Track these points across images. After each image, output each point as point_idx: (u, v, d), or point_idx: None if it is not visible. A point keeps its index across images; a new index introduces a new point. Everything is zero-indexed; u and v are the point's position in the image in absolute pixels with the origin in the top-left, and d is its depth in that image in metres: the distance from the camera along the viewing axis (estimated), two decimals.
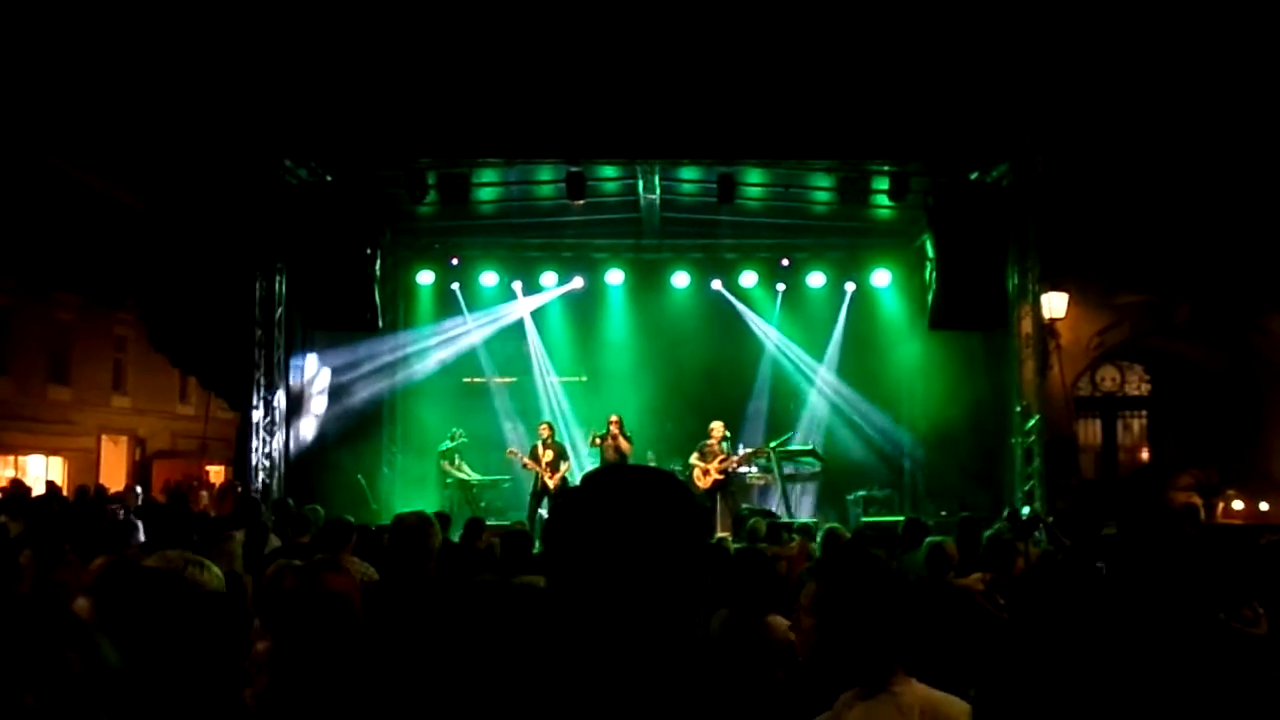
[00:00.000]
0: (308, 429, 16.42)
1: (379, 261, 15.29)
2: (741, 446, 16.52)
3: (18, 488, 16.44)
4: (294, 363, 15.67)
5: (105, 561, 4.47)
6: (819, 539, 8.70)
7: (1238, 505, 17.65)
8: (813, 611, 2.77)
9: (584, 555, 1.68)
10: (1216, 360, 18.44)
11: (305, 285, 15.04)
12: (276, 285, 14.96)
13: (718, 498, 15.31)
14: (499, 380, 18.56)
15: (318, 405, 16.88)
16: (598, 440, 16.02)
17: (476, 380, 18.38)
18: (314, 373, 16.73)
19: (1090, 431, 18.97)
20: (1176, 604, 2.87)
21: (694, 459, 15.75)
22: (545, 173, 15.70)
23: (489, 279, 18.10)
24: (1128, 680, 1.48)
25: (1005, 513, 12.93)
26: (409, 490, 17.05)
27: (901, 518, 11.36)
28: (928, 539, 7.34)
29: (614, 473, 1.86)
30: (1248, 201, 15.85)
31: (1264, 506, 17.40)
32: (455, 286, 18.16)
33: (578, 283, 18.19)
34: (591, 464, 16.55)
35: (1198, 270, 16.71)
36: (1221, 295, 17.01)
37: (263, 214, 14.65)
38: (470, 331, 18.37)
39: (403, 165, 14.85)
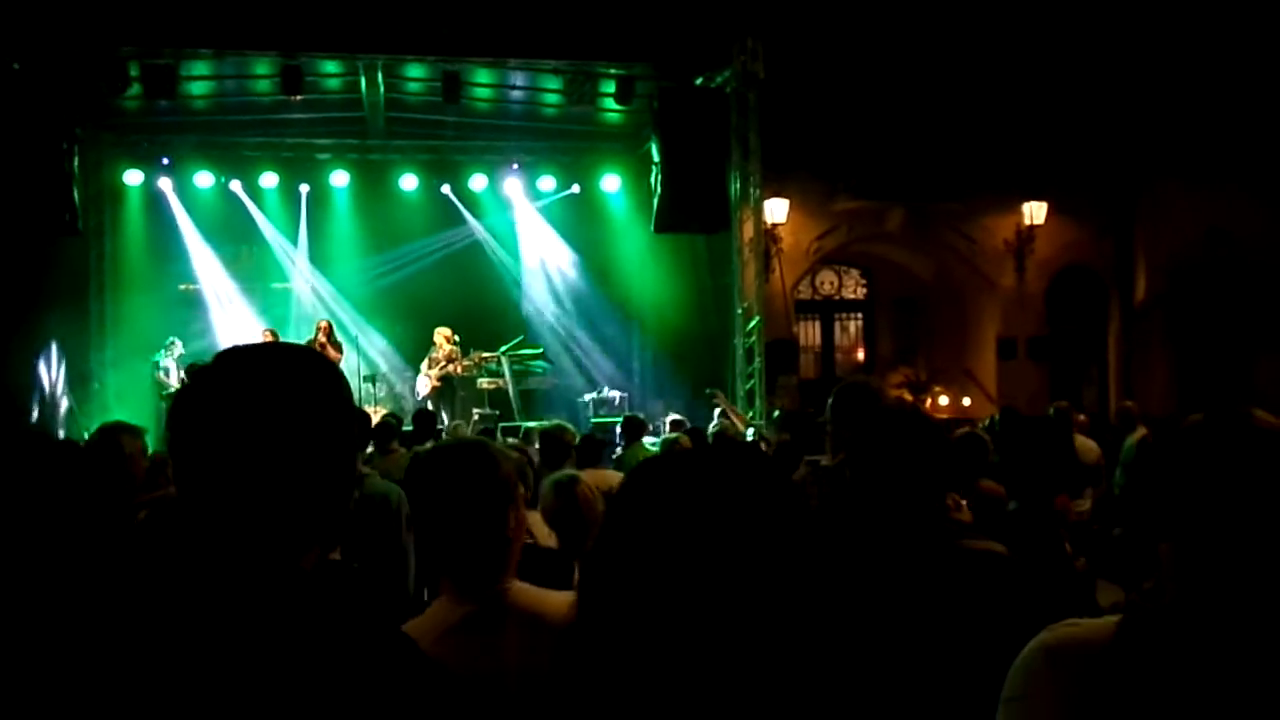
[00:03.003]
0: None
1: (76, 159, 14.22)
2: (473, 351, 16.40)
3: None
4: None
5: None
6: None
7: (944, 401, 18.87)
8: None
9: (196, 435, 1.53)
10: (925, 265, 19.50)
11: None
12: None
13: (441, 404, 15.34)
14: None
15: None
16: None
17: (192, 287, 17.39)
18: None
19: (810, 332, 19.77)
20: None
21: (424, 366, 15.75)
22: (261, 66, 14.84)
23: (204, 179, 16.92)
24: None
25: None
26: (122, 404, 16.13)
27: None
28: None
29: (239, 350, 1.65)
30: (955, 112, 16.66)
31: (966, 402, 18.68)
32: (165, 185, 16.96)
33: (303, 189, 17.37)
34: None
35: (908, 178, 17.54)
36: (929, 203, 17.94)
37: None
38: (186, 234, 17.30)
39: (100, 54, 13.75)
